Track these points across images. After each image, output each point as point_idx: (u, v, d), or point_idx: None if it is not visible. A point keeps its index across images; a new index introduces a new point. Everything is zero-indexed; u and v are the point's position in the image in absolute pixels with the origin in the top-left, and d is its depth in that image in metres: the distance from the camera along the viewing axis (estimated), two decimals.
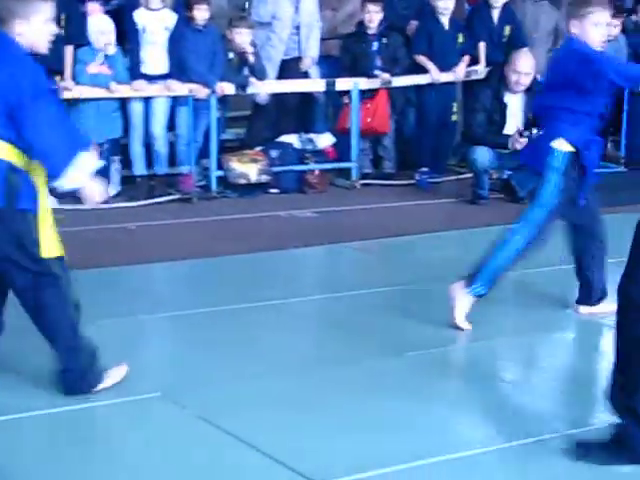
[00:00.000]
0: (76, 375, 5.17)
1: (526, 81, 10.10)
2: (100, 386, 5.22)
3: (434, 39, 11.08)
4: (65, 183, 4.85)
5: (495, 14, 11.29)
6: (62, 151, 4.81)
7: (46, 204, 5.00)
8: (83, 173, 4.86)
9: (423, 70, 11.05)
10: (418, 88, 11.12)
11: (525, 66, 10.10)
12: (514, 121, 10.12)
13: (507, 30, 11.24)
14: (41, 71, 5.00)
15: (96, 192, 5.01)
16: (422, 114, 11.23)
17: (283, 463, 4.59)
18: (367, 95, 10.86)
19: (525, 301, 7.58)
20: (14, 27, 4.97)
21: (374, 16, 10.78)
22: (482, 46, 11.20)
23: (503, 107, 10.13)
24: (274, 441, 4.82)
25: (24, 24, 4.97)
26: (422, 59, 10.99)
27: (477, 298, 6.54)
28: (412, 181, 11.05)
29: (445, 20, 11.07)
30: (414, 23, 11.32)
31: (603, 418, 4.98)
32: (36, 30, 5.03)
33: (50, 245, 5.00)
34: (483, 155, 9.99)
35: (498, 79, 10.36)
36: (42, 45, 5.12)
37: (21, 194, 4.89)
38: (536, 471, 4.71)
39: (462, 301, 6.51)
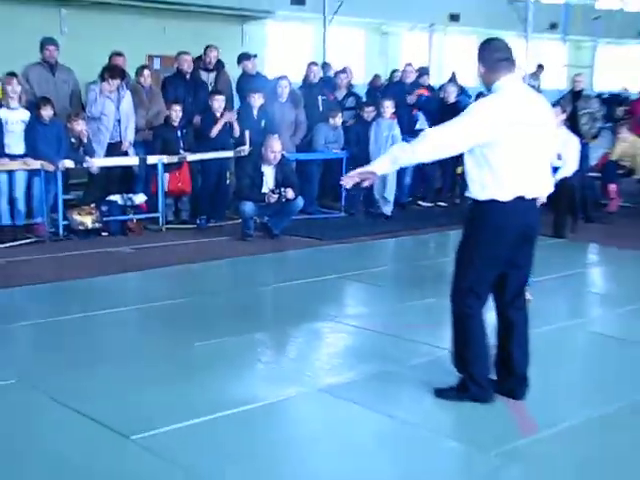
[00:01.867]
0: None
1: (277, 157, 10.30)
2: None
3: (210, 126, 11.20)
4: None
5: (255, 112, 11.50)
6: None
7: None
8: None
9: (205, 150, 11.14)
10: (203, 161, 11.14)
11: (277, 146, 10.29)
12: (269, 184, 10.31)
13: (263, 123, 11.43)
14: None
15: None
16: (205, 179, 11.24)
17: (101, 422, 4.62)
18: (175, 167, 10.92)
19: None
20: None
21: (178, 113, 10.97)
22: (247, 133, 11.33)
23: (261, 174, 10.28)
24: (92, 404, 4.86)
25: None
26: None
27: None
28: None
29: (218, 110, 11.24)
30: (197, 118, 11.48)
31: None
32: None
33: None
34: (249, 207, 10.14)
35: (257, 155, 10.49)
36: None
37: None
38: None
39: None
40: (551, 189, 5.17)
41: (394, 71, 14.76)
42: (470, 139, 4.75)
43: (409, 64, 14.28)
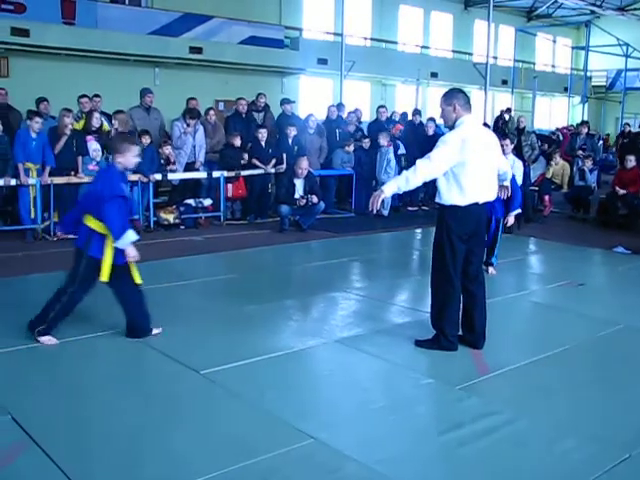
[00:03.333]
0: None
1: (305, 172, 10.24)
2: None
3: (257, 150, 11.13)
4: (119, 245, 4.73)
5: (290, 140, 11.42)
6: (116, 230, 4.69)
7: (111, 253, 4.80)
8: (123, 242, 4.73)
9: (255, 167, 11.06)
10: (251, 175, 11.04)
11: (304, 165, 10.23)
12: (299, 192, 10.24)
13: (295, 148, 11.33)
14: (118, 184, 4.78)
15: (131, 252, 4.79)
16: (251, 188, 11.11)
17: (179, 361, 4.68)
18: (235, 179, 10.87)
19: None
20: (115, 156, 4.87)
21: (237, 141, 10.96)
22: (284, 155, 11.25)
23: (293, 185, 10.23)
24: (172, 348, 4.90)
25: (120, 156, 4.84)
26: (256, 162, 11.06)
27: None
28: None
29: (262, 139, 11.15)
30: (249, 145, 11.31)
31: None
32: (126, 159, 4.85)
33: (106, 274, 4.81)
34: (285, 208, 10.12)
35: (291, 171, 10.46)
36: (131, 167, 4.99)
37: (93, 247, 4.79)
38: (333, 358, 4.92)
39: None
40: (495, 196, 5.14)
41: (387, 111, 14.57)
42: (448, 164, 4.74)
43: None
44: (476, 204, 4.83)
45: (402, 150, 12.50)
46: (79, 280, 4.88)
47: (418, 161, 4.83)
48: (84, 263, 4.84)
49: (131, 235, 4.77)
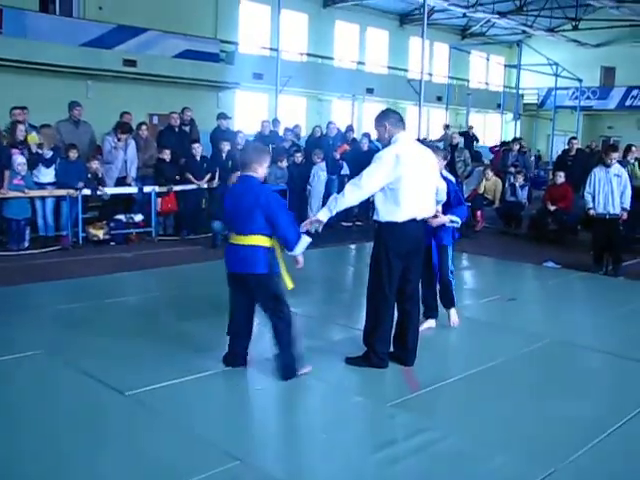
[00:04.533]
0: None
1: None
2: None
3: (192, 165, 11.10)
4: (297, 251, 4.68)
5: (223, 155, 11.31)
6: (295, 237, 4.63)
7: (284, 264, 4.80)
8: (301, 248, 4.69)
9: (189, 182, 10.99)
10: (185, 190, 10.96)
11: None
12: None
13: (229, 164, 11.10)
14: (274, 193, 4.77)
15: (300, 259, 4.82)
16: (186, 203, 11.03)
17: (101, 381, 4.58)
18: (165, 194, 10.76)
19: None
20: (253, 168, 4.69)
21: (169, 155, 10.86)
22: (218, 170, 11.17)
23: None
24: (97, 367, 4.79)
25: (259, 167, 4.69)
26: (190, 177, 10.99)
27: None
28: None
29: (197, 154, 11.14)
30: (182, 160, 11.28)
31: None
32: (264, 170, 4.73)
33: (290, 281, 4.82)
34: (218, 224, 9.98)
35: (224, 187, 10.30)
36: (262, 178, 4.78)
37: (274, 264, 4.70)
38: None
39: None
40: (433, 212, 5.19)
41: (317, 126, 14.60)
42: (383, 180, 4.78)
43: (331, 122, 14.37)
44: (414, 220, 4.86)
45: (345, 170, 12.51)
46: (282, 300, 4.83)
47: (351, 181, 4.87)
48: (274, 282, 4.77)
49: (306, 239, 4.74)
